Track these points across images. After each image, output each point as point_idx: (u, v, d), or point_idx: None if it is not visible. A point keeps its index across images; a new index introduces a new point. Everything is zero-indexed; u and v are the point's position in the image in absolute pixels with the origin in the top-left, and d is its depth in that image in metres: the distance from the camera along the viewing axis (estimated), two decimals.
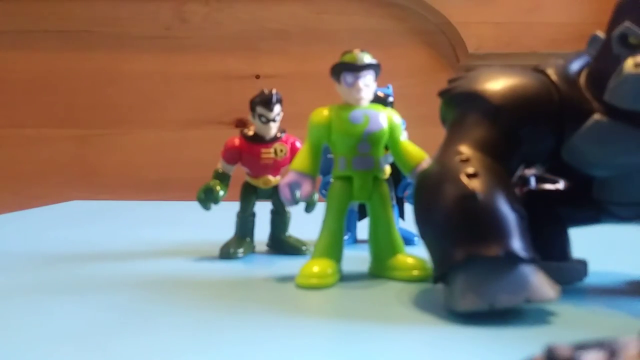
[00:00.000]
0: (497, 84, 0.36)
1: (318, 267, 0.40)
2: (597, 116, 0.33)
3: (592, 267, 0.40)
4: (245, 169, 0.51)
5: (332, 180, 0.43)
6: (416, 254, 0.42)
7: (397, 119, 0.43)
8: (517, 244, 0.31)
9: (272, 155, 0.50)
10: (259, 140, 0.50)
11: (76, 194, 1.13)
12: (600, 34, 0.36)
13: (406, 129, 0.45)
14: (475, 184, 0.32)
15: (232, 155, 0.50)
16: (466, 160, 0.33)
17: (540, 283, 0.31)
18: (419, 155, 0.42)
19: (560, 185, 0.39)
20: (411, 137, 0.44)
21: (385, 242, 0.42)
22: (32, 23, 1.17)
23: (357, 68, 0.41)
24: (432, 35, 1.17)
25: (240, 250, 0.50)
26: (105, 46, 1.17)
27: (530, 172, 0.39)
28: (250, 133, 0.50)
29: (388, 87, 0.54)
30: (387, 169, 0.44)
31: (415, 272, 0.41)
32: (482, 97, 0.35)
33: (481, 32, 1.15)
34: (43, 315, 0.33)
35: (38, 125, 1.18)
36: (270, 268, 0.47)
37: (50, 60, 1.17)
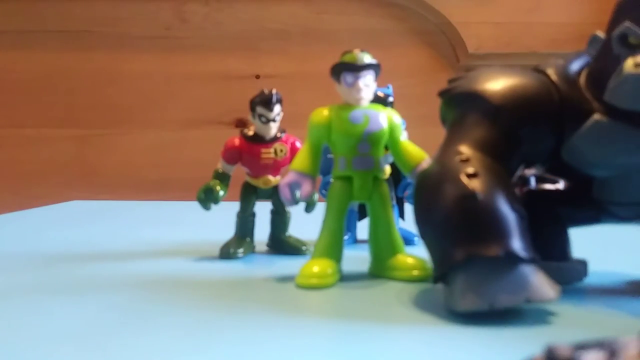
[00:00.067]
0: (497, 84, 0.36)
1: (318, 267, 0.40)
2: (597, 116, 0.33)
3: (592, 267, 0.40)
4: (245, 169, 0.51)
5: (332, 180, 0.43)
6: (416, 254, 0.42)
7: (397, 119, 0.43)
8: (517, 244, 0.31)
9: (272, 155, 0.50)
10: (259, 140, 0.50)
11: (76, 194, 1.13)
12: (600, 34, 0.36)
13: (406, 129, 0.45)
14: (475, 184, 0.32)
15: (232, 155, 0.50)
16: (466, 160, 0.33)
17: (540, 283, 0.31)
18: (419, 155, 0.42)
19: (560, 185, 0.39)
20: (411, 137, 0.44)
21: (385, 242, 0.42)
22: (32, 23, 1.17)
23: (357, 68, 0.41)
24: (432, 35, 1.17)
25: (240, 250, 0.50)
26: (105, 46, 1.17)
27: (530, 172, 0.39)
28: (250, 133, 0.50)
29: (388, 87, 0.54)
30: (387, 169, 0.44)
31: (415, 272, 0.41)
32: (482, 97, 0.35)
33: (481, 32, 1.15)
34: (43, 315, 0.33)
35: (38, 125, 1.18)
36: (270, 268, 0.47)
37: (50, 60, 1.17)
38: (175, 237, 0.61)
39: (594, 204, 0.37)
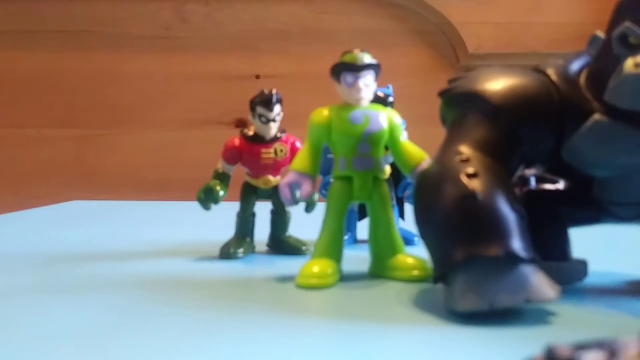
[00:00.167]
0: (497, 84, 0.36)
1: (318, 267, 0.40)
2: (597, 116, 0.33)
3: (592, 267, 0.40)
4: (245, 169, 0.51)
5: (332, 180, 0.43)
6: (416, 254, 0.42)
7: (397, 119, 0.43)
8: (517, 244, 0.31)
9: (272, 155, 0.50)
10: (259, 140, 0.50)
11: (76, 194, 1.13)
12: (600, 34, 0.36)
13: (406, 129, 0.45)
14: (475, 184, 0.32)
15: (232, 155, 0.50)
16: (466, 160, 0.33)
17: (540, 283, 0.31)
18: (419, 155, 0.42)
19: (560, 185, 0.39)
20: (411, 137, 0.44)
21: (385, 242, 0.42)
22: (32, 23, 1.17)
23: (357, 68, 0.41)
24: (432, 35, 1.17)
25: (240, 250, 0.50)
26: (105, 46, 1.17)
27: (530, 172, 0.39)
28: (250, 133, 0.50)
29: (388, 87, 0.54)
30: (387, 169, 0.44)
31: (415, 272, 0.41)
32: (482, 97, 0.35)
33: (481, 32, 1.15)
34: (43, 315, 0.33)
35: (38, 125, 1.18)
36: (270, 268, 0.47)
37: (50, 60, 1.17)
38: (175, 237, 0.61)
39: (594, 204, 0.37)
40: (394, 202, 0.52)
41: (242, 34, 1.17)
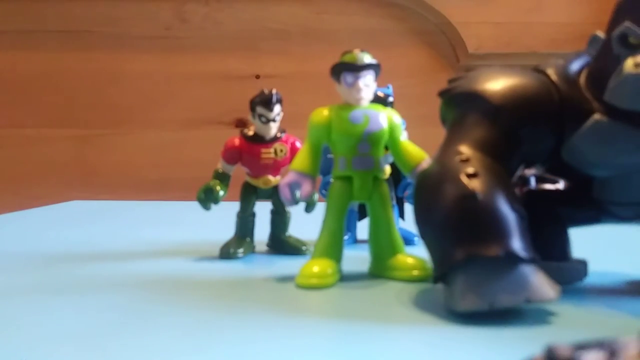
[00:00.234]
0: (497, 84, 0.36)
1: (318, 267, 0.40)
2: (597, 116, 0.33)
3: (592, 267, 0.40)
4: (245, 169, 0.51)
5: (332, 180, 0.43)
6: (416, 254, 0.42)
7: (397, 119, 0.43)
8: (517, 244, 0.31)
9: (272, 155, 0.50)
10: (259, 140, 0.50)
11: (76, 194, 1.13)
12: (600, 34, 0.36)
13: (406, 129, 0.45)
14: (475, 184, 0.32)
15: (232, 155, 0.50)
16: (466, 160, 0.33)
17: (540, 283, 0.31)
18: (419, 155, 0.42)
19: (560, 185, 0.39)
20: (411, 137, 0.44)
21: (385, 242, 0.42)
22: (32, 23, 1.17)
23: (357, 68, 0.41)
24: (432, 35, 1.17)
25: (240, 250, 0.50)
26: (106, 46, 1.17)
27: (530, 172, 0.39)
28: (250, 133, 0.50)
29: (388, 87, 0.54)
30: (387, 169, 0.44)
31: (415, 272, 0.41)
32: (482, 97, 0.35)
33: (481, 32, 1.15)
34: (43, 315, 0.33)
35: (38, 125, 1.18)
36: (270, 268, 0.47)
37: (50, 60, 1.17)
38: (175, 237, 0.61)
39: (594, 204, 0.37)
40: (394, 202, 0.52)
41: (242, 34, 1.17)
